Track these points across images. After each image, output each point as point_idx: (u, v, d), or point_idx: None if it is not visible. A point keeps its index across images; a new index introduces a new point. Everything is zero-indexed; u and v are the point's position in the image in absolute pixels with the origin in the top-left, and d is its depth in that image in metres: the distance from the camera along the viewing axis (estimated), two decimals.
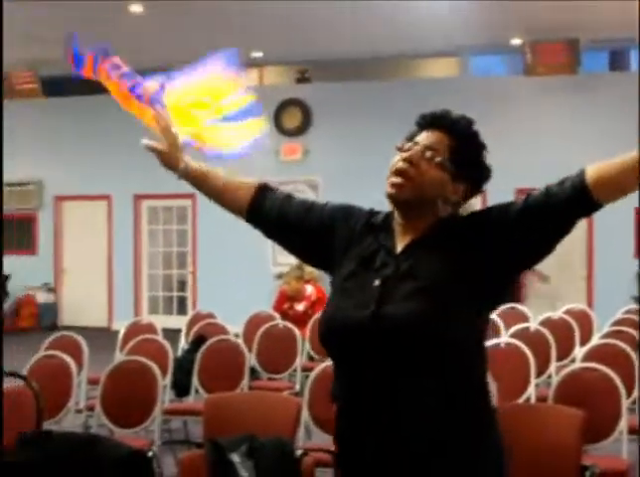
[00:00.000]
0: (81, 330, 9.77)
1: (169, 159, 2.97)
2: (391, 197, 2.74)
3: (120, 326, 17.50)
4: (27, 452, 3.88)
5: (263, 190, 3.03)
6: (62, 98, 18.95)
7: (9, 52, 16.44)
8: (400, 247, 2.76)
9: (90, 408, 7.55)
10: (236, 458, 4.12)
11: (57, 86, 18.71)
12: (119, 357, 9.18)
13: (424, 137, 2.79)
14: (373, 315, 2.61)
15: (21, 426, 5.48)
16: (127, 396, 6.83)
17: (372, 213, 2.92)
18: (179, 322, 12.23)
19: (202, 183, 3.03)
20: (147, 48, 16.30)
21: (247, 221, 3.03)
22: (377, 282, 2.68)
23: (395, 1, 13.24)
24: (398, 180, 2.72)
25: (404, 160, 2.74)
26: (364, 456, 2.68)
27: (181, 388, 8.53)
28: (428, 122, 2.83)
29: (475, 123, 2.83)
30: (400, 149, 2.79)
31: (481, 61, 18.44)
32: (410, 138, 2.83)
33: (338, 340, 2.68)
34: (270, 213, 2.98)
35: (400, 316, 2.57)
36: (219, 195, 3.03)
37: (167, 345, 8.21)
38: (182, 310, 18.38)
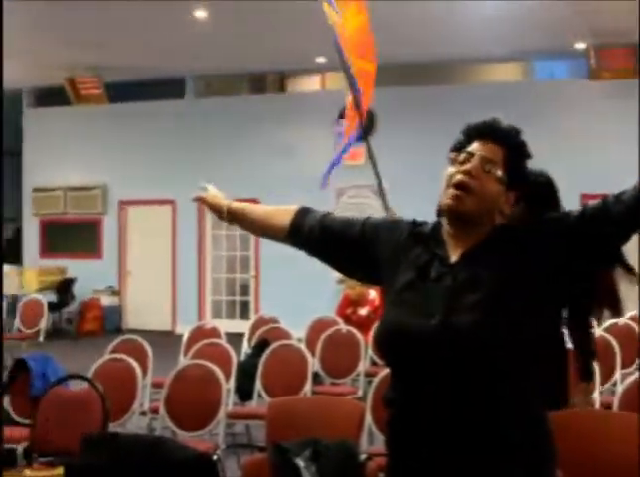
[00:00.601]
0: (145, 333, 9.85)
1: (212, 207, 3.29)
2: (450, 208, 2.74)
3: (183, 330, 17.64)
4: (94, 454, 3.93)
5: (303, 211, 3.13)
6: (127, 104, 19.15)
7: (74, 58, 16.69)
8: (453, 257, 2.76)
9: (154, 411, 7.62)
10: (300, 462, 4.14)
11: (122, 92, 18.92)
12: (183, 361, 9.27)
13: (479, 148, 2.78)
14: (441, 325, 2.61)
15: (87, 428, 5.55)
16: (191, 399, 6.87)
17: (415, 223, 2.93)
18: (241, 326, 12.29)
19: (245, 217, 3.24)
20: (212, 52, 16.43)
21: (290, 241, 3.13)
22: (439, 293, 2.68)
23: (461, 3, 13.20)
24: (458, 192, 2.72)
25: (464, 172, 2.74)
26: (417, 464, 2.69)
27: (244, 392, 8.56)
28: (480, 133, 2.82)
29: (523, 132, 2.83)
30: (455, 161, 2.79)
31: (545, 65, 18.29)
32: (459, 148, 2.82)
33: (400, 348, 2.68)
34: (312, 231, 3.05)
35: (467, 326, 2.57)
36: (262, 224, 3.20)
37: (231, 349, 8.25)
38: (244, 314, 18.47)
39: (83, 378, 5.99)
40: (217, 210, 3.27)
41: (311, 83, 19.49)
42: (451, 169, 2.78)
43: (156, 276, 19.14)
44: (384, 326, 2.76)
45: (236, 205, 3.23)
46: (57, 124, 19.84)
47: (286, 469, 4.13)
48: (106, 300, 18.98)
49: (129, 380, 7.09)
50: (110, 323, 18.85)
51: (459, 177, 2.73)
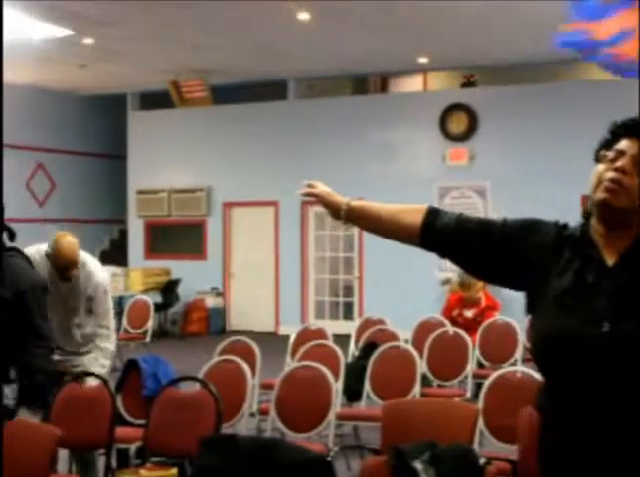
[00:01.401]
0: (249, 334, 9.87)
1: (328, 204, 3.04)
2: (605, 202, 2.65)
3: (287, 331, 17.78)
4: (211, 455, 3.93)
5: (434, 210, 2.93)
6: (230, 106, 19.30)
7: (179, 61, 16.86)
8: (609, 260, 2.68)
9: (263, 413, 7.64)
10: (418, 465, 4.09)
11: (225, 94, 19.07)
12: (289, 362, 9.29)
13: (629, 146, 2.70)
14: (612, 332, 2.53)
15: (200, 429, 5.57)
16: (301, 400, 6.86)
17: (558, 225, 2.83)
18: (345, 327, 12.26)
19: (367, 216, 3.00)
20: (314, 54, 16.46)
21: (422, 243, 2.91)
22: (602, 298, 2.60)
23: (563, 3, 13.01)
24: (614, 186, 2.64)
25: (617, 170, 2.66)
26: (569, 472, 2.62)
27: (351, 393, 8.54)
28: (628, 130, 2.74)
29: None
30: (604, 158, 2.72)
31: None
32: (607, 146, 2.75)
33: (568, 355, 2.59)
34: (447, 232, 2.87)
35: (638, 332, 2.50)
36: (388, 223, 2.96)
37: (339, 350, 8.23)
38: (348, 315, 18.47)
39: (197, 379, 6.02)
40: (334, 207, 3.02)
41: (413, 84, 19.42)
42: (602, 167, 2.70)
43: (259, 277, 19.23)
44: (549, 331, 2.64)
45: (355, 202, 3.00)
46: (161, 127, 20.08)
47: (405, 472, 4.09)
48: (210, 301, 19.13)
49: (239, 381, 7.09)
50: (214, 324, 19.01)
51: (612, 174, 2.65)
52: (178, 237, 19.97)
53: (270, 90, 19.22)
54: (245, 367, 7.19)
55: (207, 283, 19.33)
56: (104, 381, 5.97)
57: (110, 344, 6.68)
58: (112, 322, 6.76)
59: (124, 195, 20.56)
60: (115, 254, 20.75)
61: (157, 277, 18.85)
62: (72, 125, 20.70)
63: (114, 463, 6.32)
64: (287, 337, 10.26)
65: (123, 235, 21.44)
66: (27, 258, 5.14)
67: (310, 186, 3.13)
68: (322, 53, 16.39)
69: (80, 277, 6.49)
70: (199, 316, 18.94)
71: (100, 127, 21.26)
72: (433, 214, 2.92)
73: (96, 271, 6.59)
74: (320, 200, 3.08)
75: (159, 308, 17.55)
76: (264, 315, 19.09)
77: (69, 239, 6.39)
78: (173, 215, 19.99)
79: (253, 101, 19.25)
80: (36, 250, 6.37)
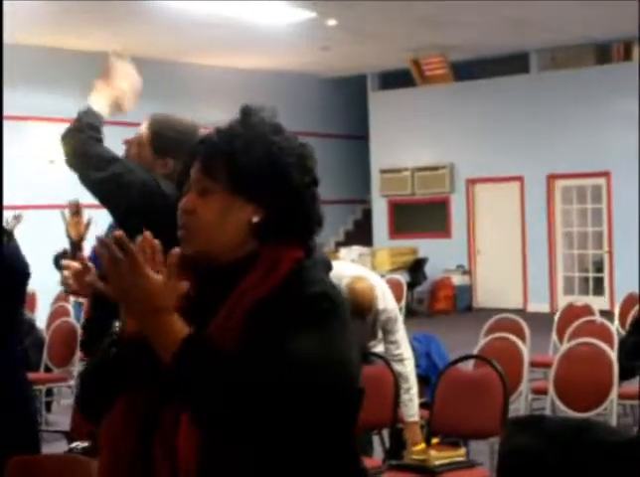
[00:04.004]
0: (496, 312, 9.70)
1: None
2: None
3: (536, 308, 17.52)
4: (522, 437, 3.85)
5: None
6: (471, 82, 19.12)
7: (420, 39, 16.79)
8: None
9: (536, 391, 7.51)
10: None
11: (466, 70, 18.90)
12: (555, 339, 9.11)
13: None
14: None
15: (486, 409, 5.50)
16: (579, 378, 6.69)
17: None
18: (596, 303, 11.83)
19: None
20: (556, 24, 16.03)
21: None
22: None
23: None
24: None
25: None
26: None
27: (624, 370, 8.26)
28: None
29: None
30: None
31: None
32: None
33: None
34: None
35: None
36: None
37: (612, 327, 7.99)
38: (598, 291, 18.01)
39: (482, 358, 5.94)
40: None
41: None
42: None
43: (506, 254, 19.00)
44: None
45: None
46: (402, 106, 20.08)
47: None
48: (457, 279, 19.06)
49: (514, 359, 6.96)
50: (461, 302, 18.92)
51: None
52: (422, 215, 19.96)
53: (512, 64, 18.90)
54: (520, 345, 7.06)
55: (453, 261, 19.25)
56: (386, 362, 5.94)
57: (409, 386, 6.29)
58: (407, 350, 6.19)
59: (367, 175, 20.70)
60: (359, 235, 20.94)
61: (404, 256, 18.89)
62: (313, 107, 20.96)
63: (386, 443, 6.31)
64: (536, 314, 10.01)
65: (367, 214, 21.60)
66: None
67: None
68: (564, 22, 15.95)
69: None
70: (446, 294, 18.90)
71: (341, 108, 21.46)
72: None
73: (383, 306, 6.16)
74: None
75: (407, 287, 17.57)
76: (511, 292, 18.83)
77: (364, 287, 5.90)
78: (417, 193, 19.99)
79: (495, 76, 18.98)
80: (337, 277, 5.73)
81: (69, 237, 5.17)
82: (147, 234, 2.01)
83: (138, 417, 2.08)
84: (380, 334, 6.26)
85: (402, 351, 6.09)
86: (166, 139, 3.61)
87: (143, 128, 3.65)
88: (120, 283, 1.92)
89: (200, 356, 1.93)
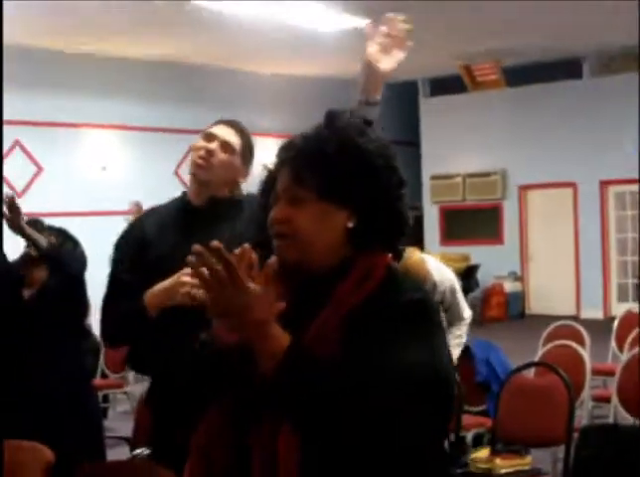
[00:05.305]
0: (548, 319, 9.60)
1: None
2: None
3: (589, 315, 17.34)
4: (594, 445, 3.81)
5: None
6: (523, 87, 18.99)
7: (471, 45, 16.70)
8: None
9: (596, 399, 7.43)
10: None
11: (518, 75, 18.78)
12: (614, 346, 9.02)
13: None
14: None
15: (551, 417, 5.43)
16: None
17: None
18: None
19: None
20: (610, 29, 15.88)
21: None
22: None
23: None
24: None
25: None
26: None
27: None
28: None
29: None
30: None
31: None
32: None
33: None
34: None
35: None
36: None
37: None
38: None
39: (547, 365, 5.87)
40: None
41: None
42: None
43: (558, 261, 18.85)
44: None
45: None
46: (453, 112, 19.99)
47: None
48: (509, 286, 18.93)
49: (575, 367, 6.88)
50: (513, 309, 18.79)
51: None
52: (473, 221, 19.86)
53: (565, 69, 18.75)
54: (582, 352, 6.98)
55: (505, 268, 19.11)
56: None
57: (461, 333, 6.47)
58: (466, 312, 6.41)
59: (418, 181, 20.62)
60: (410, 241, 20.73)
61: (456, 263, 18.72)
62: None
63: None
64: (589, 321, 9.92)
65: (418, 221, 21.50)
66: None
67: None
68: (618, 25, 15.74)
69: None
70: (498, 301, 18.76)
71: (392, 115, 21.33)
72: None
73: (440, 278, 6.29)
74: None
75: None
76: (564, 299, 18.67)
77: (415, 259, 6.05)
78: (468, 199, 19.89)
79: (547, 81, 18.84)
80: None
81: None
82: (246, 247, 1.98)
83: (234, 428, 2.05)
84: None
85: (467, 314, 6.35)
86: (252, 148, 3.59)
87: (230, 136, 3.54)
88: (219, 295, 1.89)
89: (303, 366, 1.90)
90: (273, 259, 1.96)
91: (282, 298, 1.97)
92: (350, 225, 2.06)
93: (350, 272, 2.04)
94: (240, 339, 1.97)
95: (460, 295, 6.37)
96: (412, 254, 6.01)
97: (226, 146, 3.49)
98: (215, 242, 1.86)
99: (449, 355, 2.04)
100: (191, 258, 1.87)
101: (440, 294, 6.16)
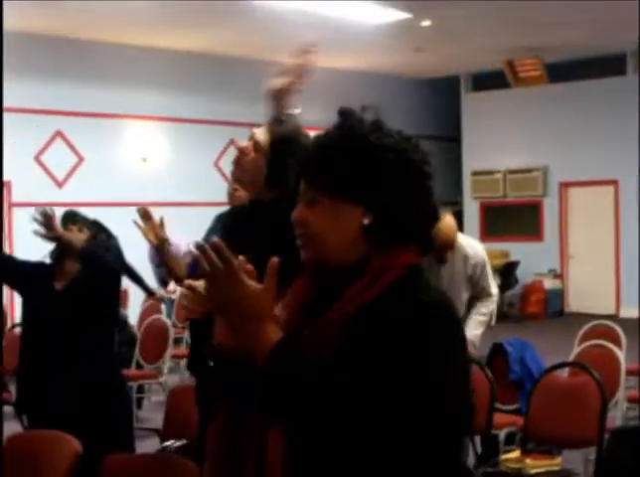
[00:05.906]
0: (588, 317, 9.51)
1: None
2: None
3: (629, 313, 17.18)
4: (624, 448, 3.77)
5: None
6: (566, 83, 18.85)
7: (514, 40, 16.61)
8: None
9: (632, 400, 7.37)
10: None
11: (561, 72, 18.64)
12: None
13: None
14: None
15: (584, 418, 5.39)
16: None
17: None
18: None
19: None
20: None
21: None
22: None
23: None
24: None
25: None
26: None
27: None
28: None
29: None
30: None
31: None
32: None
33: None
34: None
35: None
36: None
37: None
38: None
39: (580, 365, 5.83)
40: None
41: None
42: None
43: (599, 259, 18.70)
44: None
45: None
46: (495, 108, 19.88)
47: None
48: (548, 283, 18.81)
49: (610, 367, 6.83)
50: (552, 306, 18.68)
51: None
52: (514, 218, 19.75)
53: (608, 65, 18.58)
54: (617, 352, 6.92)
55: (544, 265, 19.00)
56: (481, 366, 5.89)
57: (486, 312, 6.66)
58: (493, 288, 6.74)
59: (459, 177, 20.54)
60: None
61: (495, 259, 18.63)
62: (405, 109, 20.81)
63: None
64: (628, 320, 9.84)
65: (458, 216, 21.37)
66: None
67: None
68: None
69: (456, 260, 6.47)
70: (537, 298, 18.66)
71: (434, 110, 21.32)
72: None
73: (472, 252, 6.54)
74: None
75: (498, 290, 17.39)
76: (604, 297, 18.52)
77: (447, 221, 6.37)
78: (509, 196, 19.79)
79: (590, 78, 18.69)
80: None
81: (150, 243, 5.17)
82: (241, 258, 2.00)
83: (233, 421, 2.11)
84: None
85: (495, 291, 6.73)
86: (284, 147, 3.53)
87: (260, 135, 3.51)
88: (217, 290, 1.93)
89: (287, 362, 1.92)
90: (276, 259, 1.98)
91: (295, 297, 2.00)
92: (366, 221, 2.07)
93: (364, 272, 2.05)
94: (237, 342, 1.99)
95: (489, 272, 6.65)
96: (445, 217, 6.22)
97: (256, 145, 3.47)
98: (215, 240, 1.90)
99: (469, 363, 2.01)
100: (197, 256, 1.93)
101: (471, 267, 6.39)
